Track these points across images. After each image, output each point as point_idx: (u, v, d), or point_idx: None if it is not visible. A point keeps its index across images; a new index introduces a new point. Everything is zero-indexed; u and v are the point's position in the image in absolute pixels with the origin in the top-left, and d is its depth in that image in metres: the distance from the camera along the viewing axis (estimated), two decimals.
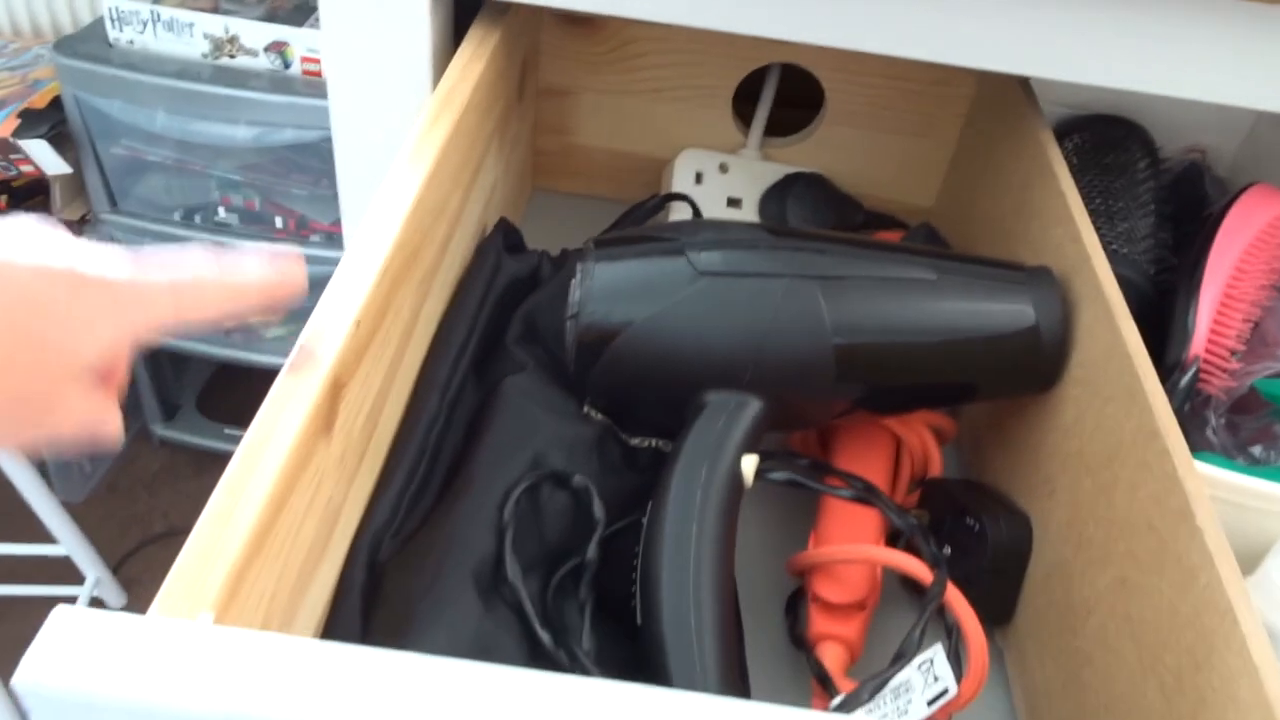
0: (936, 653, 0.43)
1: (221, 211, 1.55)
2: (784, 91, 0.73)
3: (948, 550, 0.50)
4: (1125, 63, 0.54)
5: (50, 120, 1.52)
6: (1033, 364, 0.48)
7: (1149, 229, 0.61)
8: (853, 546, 0.48)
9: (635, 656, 0.42)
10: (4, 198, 1.53)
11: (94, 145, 1.53)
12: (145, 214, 1.59)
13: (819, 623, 0.47)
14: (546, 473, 0.45)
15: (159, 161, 1.55)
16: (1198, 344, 0.53)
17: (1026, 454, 0.51)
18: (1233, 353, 0.57)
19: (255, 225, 1.55)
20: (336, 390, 0.36)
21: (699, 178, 0.71)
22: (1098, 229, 0.58)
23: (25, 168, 1.54)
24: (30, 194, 1.57)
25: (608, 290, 0.48)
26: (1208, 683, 0.34)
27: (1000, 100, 0.64)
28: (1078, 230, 0.49)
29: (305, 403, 0.33)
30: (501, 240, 0.58)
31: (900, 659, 0.40)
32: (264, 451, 0.32)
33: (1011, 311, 0.48)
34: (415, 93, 0.57)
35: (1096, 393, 0.45)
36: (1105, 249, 0.56)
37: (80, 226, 1.62)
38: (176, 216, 1.57)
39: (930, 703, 0.41)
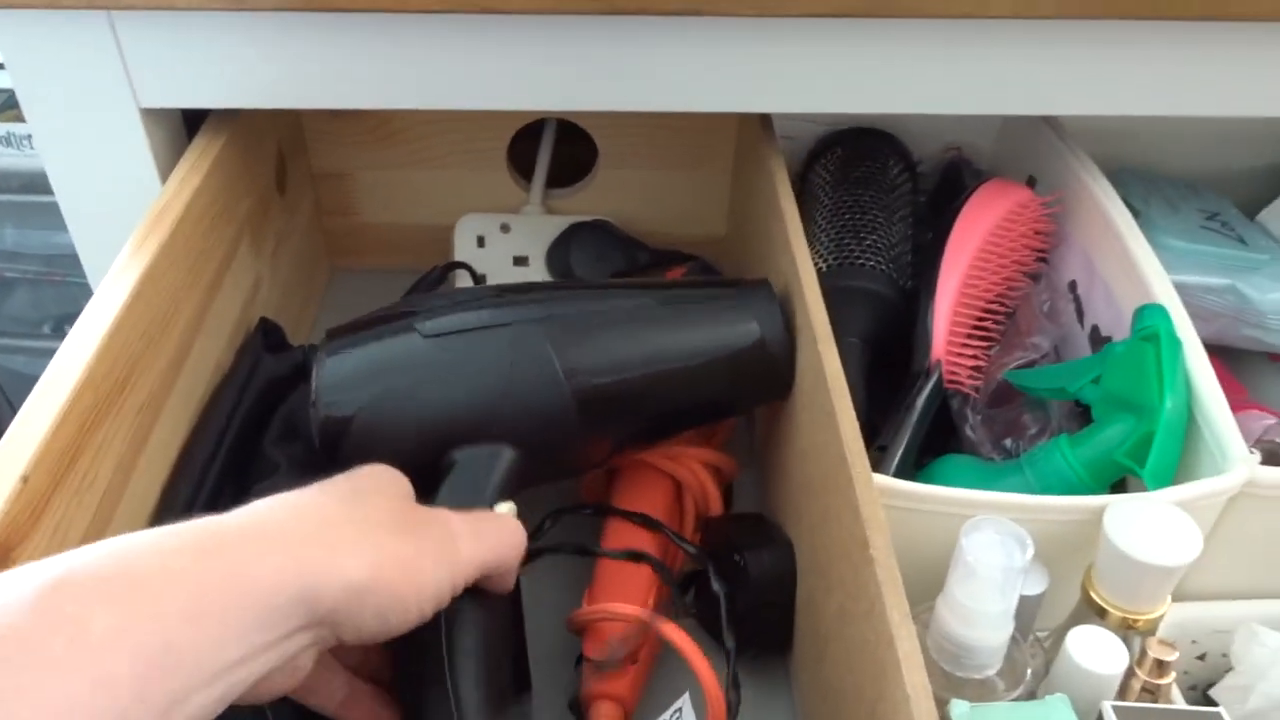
0: (684, 701, 0.43)
1: None
2: (569, 132, 0.73)
3: (719, 588, 0.51)
4: (850, 89, 0.55)
5: None
6: (767, 373, 0.50)
7: (901, 236, 0.62)
8: (600, 606, 0.48)
9: None
10: None
11: None
12: (16, 330, 1.57)
13: (589, 683, 0.48)
14: None
15: (20, 277, 1.53)
16: (937, 347, 0.54)
17: (787, 481, 0.52)
18: (989, 346, 0.58)
19: None
20: (2, 554, 0.35)
21: (481, 241, 0.71)
22: (847, 245, 0.59)
23: None
24: None
25: (339, 377, 0.48)
26: (885, 715, 0.34)
27: (750, 131, 0.65)
28: (794, 257, 0.50)
29: None
30: (260, 340, 0.58)
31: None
32: None
33: (736, 328, 0.49)
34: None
35: (812, 419, 0.46)
36: (852, 264, 0.58)
37: None
38: (47, 329, 1.55)
39: None
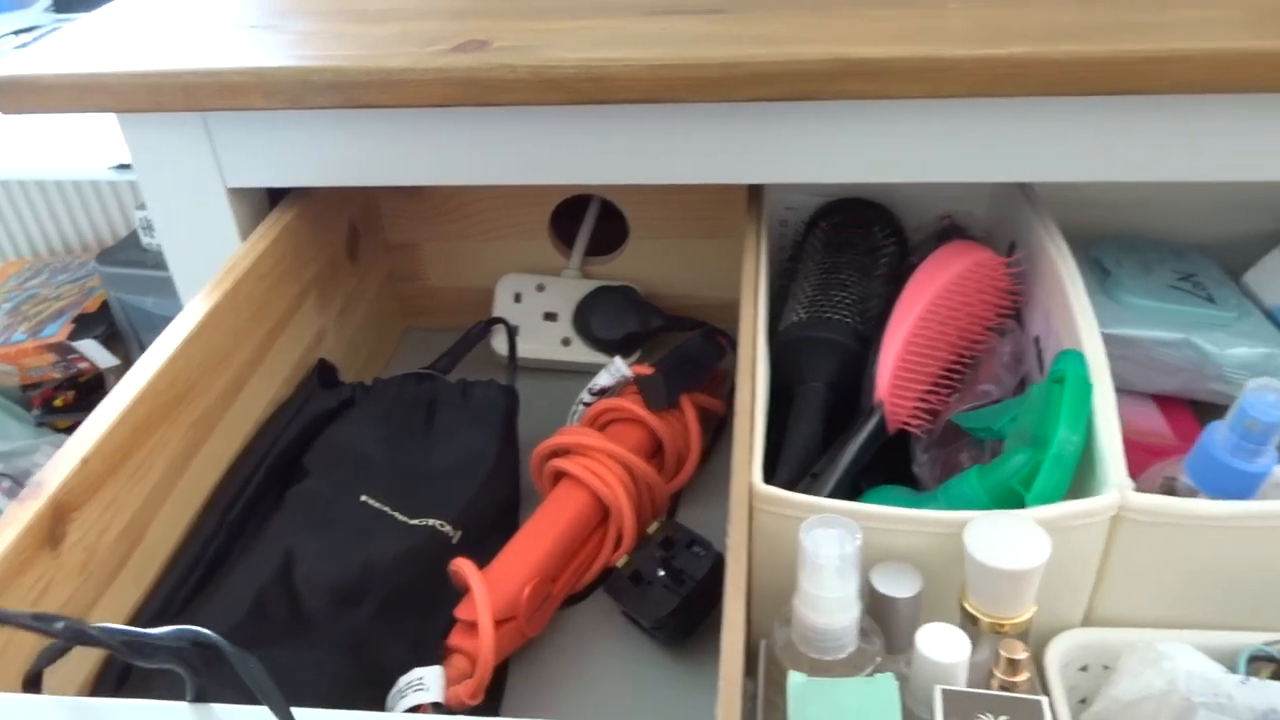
0: (429, 672, 0.51)
1: None
2: (612, 210, 0.83)
3: (661, 573, 0.58)
4: (826, 163, 0.62)
5: (104, 321, 1.74)
6: None
7: (875, 294, 0.68)
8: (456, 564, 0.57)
9: None
10: (72, 393, 1.75)
11: (139, 339, 1.74)
12: None
13: (451, 636, 0.55)
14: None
15: None
16: (881, 389, 0.60)
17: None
18: (951, 392, 0.63)
19: None
20: (61, 514, 0.47)
21: (518, 298, 0.81)
22: (818, 301, 0.66)
23: (83, 365, 1.75)
24: (94, 388, 1.78)
25: None
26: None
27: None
28: (753, 313, 0.58)
29: (19, 524, 0.44)
30: (316, 378, 0.70)
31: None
32: None
33: None
34: None
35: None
36: (821, 318, 0.65)
37: None
38: None
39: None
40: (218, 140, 0.66)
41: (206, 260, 0.70)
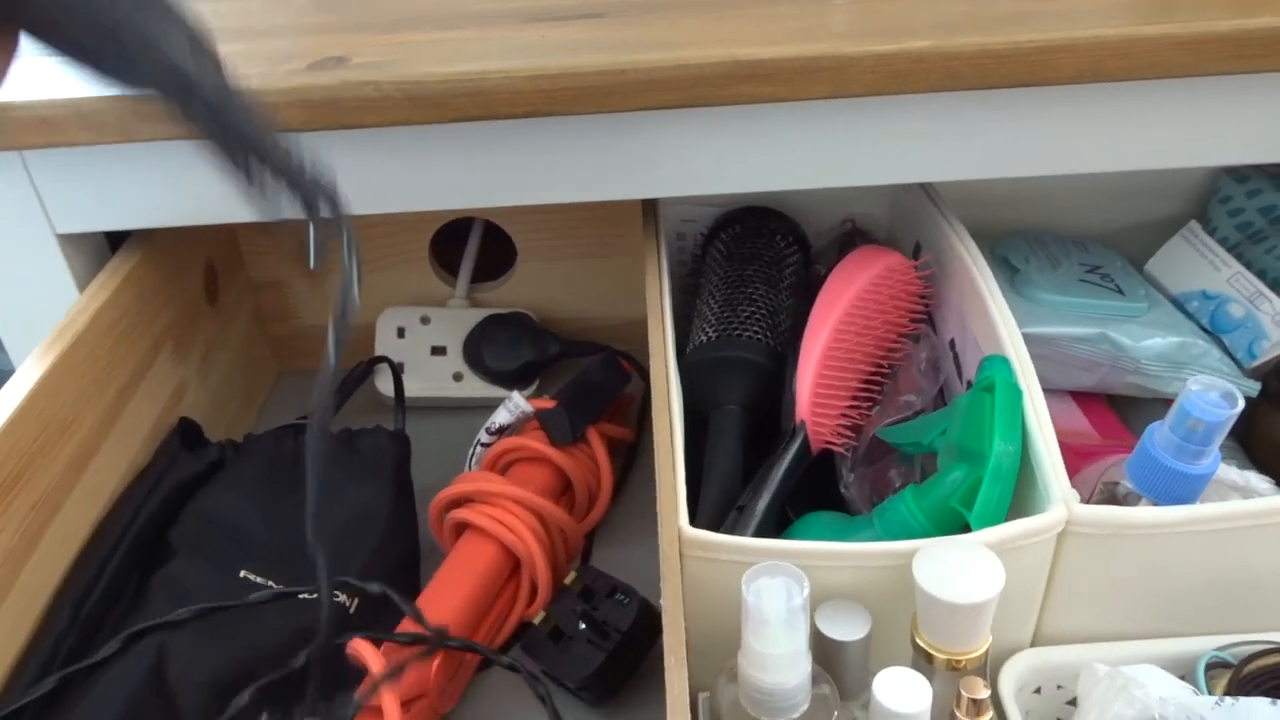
0: None
1: None
2: (498, 231, 0.78)
3: (583, 626, 0.53)
4: (736, 172, 0.59)
5: None
6: None
7: (783, 306, 0.64)
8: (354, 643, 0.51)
9: None
10: None
11: None
12: None
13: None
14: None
15: None
16: (801, 409, 0.56)
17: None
18: (871, 406, 0.60)
19: None
20: None
21: (401, 333, 0.75)
22: (727, 318, 0.62)
23: None
24: None
25: None
26: None
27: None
28: (662, 339, 0.54)
29: None
30: (178, 440, 0.62)
31: None
32: None
33: None
34: None
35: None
36: (731, 336, 0.61)
37: None
38: None
39: None
40: (40, 182, 0.58)
41: (41, 318, 0.61)
